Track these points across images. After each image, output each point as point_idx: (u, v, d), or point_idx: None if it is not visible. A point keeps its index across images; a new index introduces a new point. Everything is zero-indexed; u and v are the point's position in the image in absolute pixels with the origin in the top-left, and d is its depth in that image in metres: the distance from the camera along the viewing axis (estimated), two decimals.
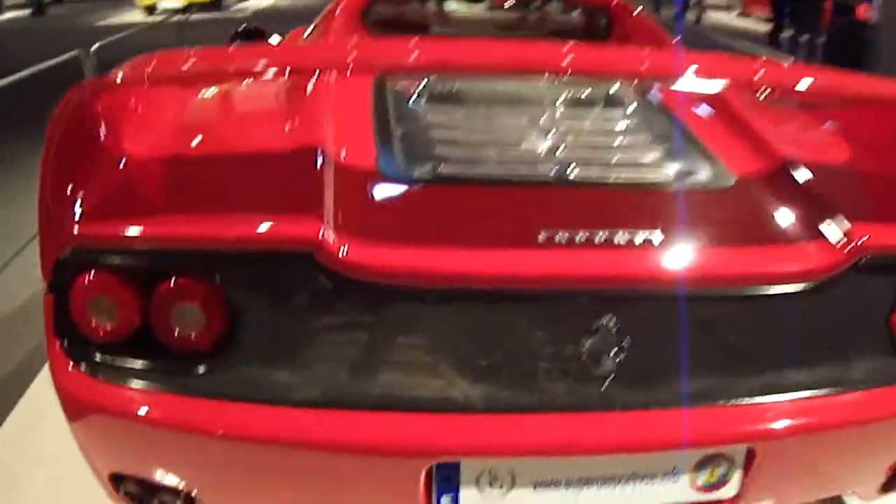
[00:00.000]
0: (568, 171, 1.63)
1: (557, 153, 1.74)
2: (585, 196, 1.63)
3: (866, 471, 1.71)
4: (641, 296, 1.46)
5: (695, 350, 1.49)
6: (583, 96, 2.15)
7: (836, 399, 1.58)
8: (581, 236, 1.45)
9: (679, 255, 1.46)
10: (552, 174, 1.63)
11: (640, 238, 1.47)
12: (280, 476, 1.49)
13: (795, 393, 1.55)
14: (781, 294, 1.51)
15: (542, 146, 1.78)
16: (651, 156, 1.79)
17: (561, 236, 1.45)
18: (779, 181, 1.71)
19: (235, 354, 1.47)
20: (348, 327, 1.45)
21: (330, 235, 1.39)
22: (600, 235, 1.46)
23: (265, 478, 1.50)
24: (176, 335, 1.46)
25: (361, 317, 1.45)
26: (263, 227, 1.42)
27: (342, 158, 1.63)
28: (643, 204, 1.63)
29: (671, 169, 1.72)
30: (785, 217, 1.61)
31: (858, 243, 1.51)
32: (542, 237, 1.44)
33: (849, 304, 1.59)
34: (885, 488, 1.76)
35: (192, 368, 1.47)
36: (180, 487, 1.56)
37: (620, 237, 1.46)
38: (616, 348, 1.45)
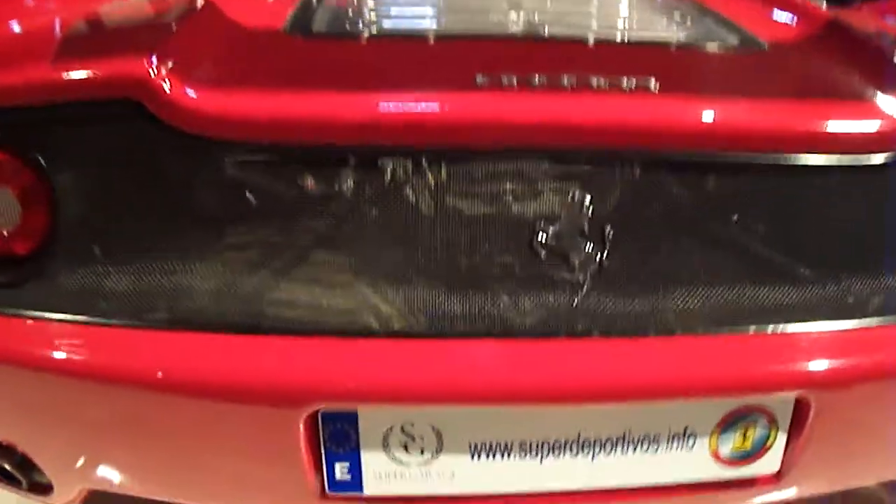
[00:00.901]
0: (541, 30, 1.17)
1: (531, 17, 1.27)
2: (562, 50, 1.16)
3: None
4: (633, 158, 0.97)
5: (714, 247, 1.01)
6: None
7: None
8: (541, 79, 0.99)
9: (688, 105, 0.99)
10: (518, 31, 1.17)
11: (631, 84, 1.00)
12: (118, 426, 1.05)
13: (868, 318, 1.05)
14: (841, 167, 1.02)
15: (515, 14, 1.31)
16: (660, 23, 1.32)
17: (510, 79, 0.98)
18: (824, 42, 1.28)
19: (55, 256, 1.03)
20: (207, 212, 1.00)
21: (164, 76, 0.95)
22: (572, 79, 0.99)
23: (98, 429, 1.06)
24: None
25: (220, 194, 0.99)
26: (82, 71, 0.99)
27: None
28: (643, 57, 1.16)
29: (684, 33, 1.25)
30: (834, 75, 1.13)
31: None
32: (481, 80, 0.98)
33: None
34: None
35: (7, 278, 1.05)
36: (10, 443, 1.13)
37: (602, 82, 1.00)
38: (593, 241, 0.98)
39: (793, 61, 1.25)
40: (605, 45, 1.18)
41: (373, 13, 1.25)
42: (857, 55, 1.22)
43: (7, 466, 1.13)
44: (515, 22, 1.22)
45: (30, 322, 1.04)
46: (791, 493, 1.13)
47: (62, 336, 1.03)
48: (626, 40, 1.20)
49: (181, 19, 1.13)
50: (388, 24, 1.21)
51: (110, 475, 1.11)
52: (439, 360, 0.97)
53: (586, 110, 0.97)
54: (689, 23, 1.33)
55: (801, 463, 1.08)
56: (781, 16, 1.43)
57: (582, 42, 1.17)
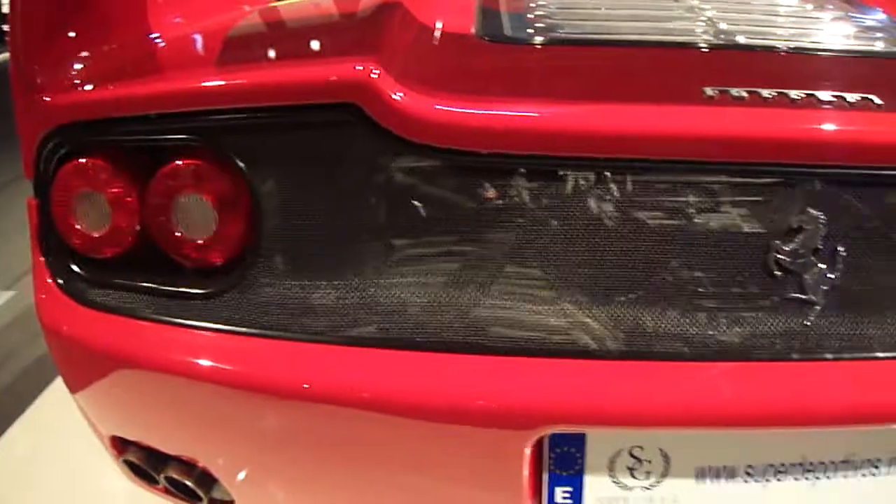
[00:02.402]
0: (738, 36, 1.13)
1: (720, 24, 1.21)
2: (770, 60, 1.12)
3: None
4: (859, 176, 0.94)
5: None
6: None
7: None
8: (769, 93, 0.94)
9: None
10: (715, 38, 1.12)
11: (855, 98, 0.96)
12: (318, 445, 1.02)
13: None
14: None
15: (700, 20, 1.26)
16: (850, 32, 1.27)
17: (738, 92, 0.94)
18: None
19: (259, 270, 1.00)
20: (422, 226, 0.96)
21: (389, 80, 0.90)
22: (798, 93, 0.95)
23: (294, 448, 1.03)
24: (181, 242, 1.01)
25: (434, 203, 0.95)
26: (296, 74, 0.94)
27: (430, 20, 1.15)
28: (856, 69, 1.11)
29: (883, 42, 1.20)
30: None
31: None
32: (709, 93, 0.94)
33: None
34: None
35: (201, 290, 1.02)
36: (191, 458, 1.11)
37: (827, 96, 0.95)
38: (825, 261, 0.94)
39: None
40: (810, 55, 1.13)
41: (553, 19, 1.19)
42: None
43: (188, 482, 1.10)
44: (705, 30, 1.17)
45: (225, 336, 1.00)
46: None
47: (260, 352, 0.99)
48: (829, 51, 1.15)
49: (380, 20, 1.08)
50: (573, 30, 1.16)
51: (300, 496, 1.07)
52: (668, 383, 0.93)
53: (819, 127, 0.93)
54: (882, 31, 1.28)
55: None
56: None
57: (786, 52, 1.12)
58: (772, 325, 0.95)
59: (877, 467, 1.00)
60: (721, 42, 1.11)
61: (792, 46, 1.13)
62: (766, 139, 0.92)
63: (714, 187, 0.93)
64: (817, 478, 0.99)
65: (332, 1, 1.39)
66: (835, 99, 0.95)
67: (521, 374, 0.93)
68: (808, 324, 0.95)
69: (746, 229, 0.94)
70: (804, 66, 1.09)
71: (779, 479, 0.98)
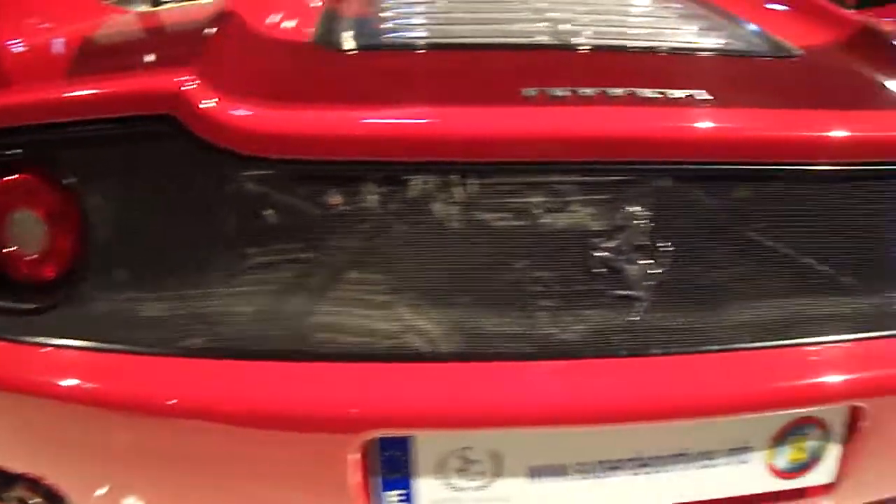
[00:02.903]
0: (574, 37, 1.14)
1: (561, 25, 1.23)
2: (600, 59, 1.13)
3: None
4: (690, 172, 0.95)
5: (764, 260, 1.00)
6: None
7: None
8: (592, 91, 0.95)
9: (741, 115, 0.97)
10: (552, 39, 1.13)
11: (680, 95, 0.97)
12: (154, 457, 1.00)
13: None
14: (885, 175, 1.01)
15: (544, 21, 1.27)
16: (691, 31, 1.29)
17: (562, 92, 0.95)
18: (859, 48, 1.28)
19: (90, 284, 0.98)
20: (247, 235, 0.96)
21: (204, 91, 0.90)
22: (621, 91, 0.96)
23: (132, 460, 1.01)
24: (12, 257, 1.00)
25: (258, 213, 0.95)
26: (114, 86, 0.94)
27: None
28: (684, 67, 1.13)
29: (717, 41, 1.23)
30: (873, 82, 1.13)
31: None
32: (531, 92, 0.95)
33: None
34: None
35: (34, 304, 1.00)
36: (34, 475, 1.08)
37: (651, 93, 0.96)
38: (646, 256, 0.95)
39: (831, 68, 1.23)
40: (642, 54, 1.15)
41: (396, 24, 1.20)
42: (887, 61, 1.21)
43: (35, 500, 1.08)
44: (546, 31, 1.18)
45: (59, 350, 0.99)
46: (848, 501, 1.12)
47: (92, 365, 0.98)
48: (662, 49, 1.17)
49: (208, 31, 1.08)
50: (414, 35, 1.17)
51: None
52: (496, 383, 0.93)
53: (640, 122, 0.94)
54: (719, 30, 1.31)
55: (857, 472, 1.07)
56: (810, 21, 1.40)
57: (619, 52, 1.13)
58: (598, 322, 0.96)
59: (712, 459, 1.01)
60: (557, 43, 1.13)
61: (627, 45, 1.14)
62: (587, 138, 0.93)
63: (538, 188, 0.93)
64: (653, 472, 1.00)
65: (182, 10, 1.39)
66: (658, 96, 0.97)
67: (346, 380, 0.93)
68: (635, 320, 0.96)
69: (570, 228, 0.94)
70: (632, 64, 1.11)
71: (613, 476, 0.99)
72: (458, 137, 0.92)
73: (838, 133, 0.98)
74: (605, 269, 0.95)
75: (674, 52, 1.17)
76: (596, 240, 0.94)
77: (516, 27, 1.20)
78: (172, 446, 0.98)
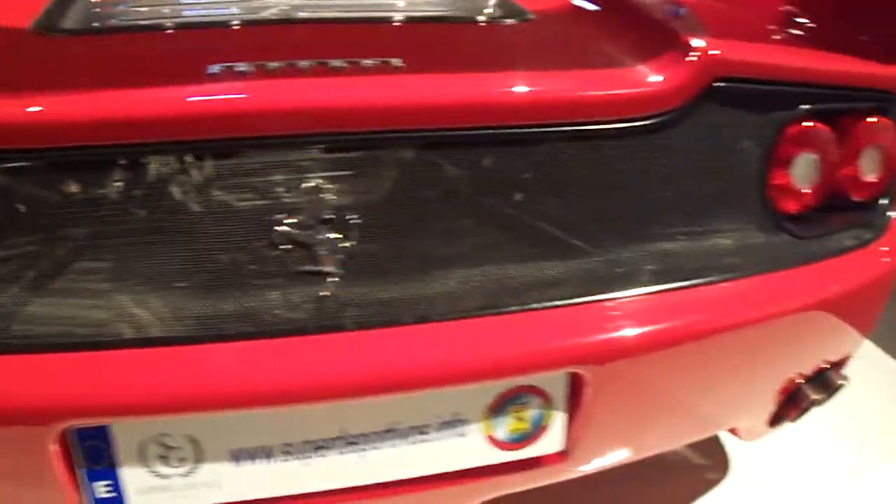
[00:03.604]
0: (294, 13, 1.18)
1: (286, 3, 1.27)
2: (294, 32, 1.17)
3: (750, 398, 1.19)
4: (388, 140, 0.97)
5: (472, 225, 1.02)
6: None
7: (702, 293, 1.08)
8: (275, 66, 0.98)
9: (432, 80, 0.99)
10: (266, 16, 1.18)
11: (369, 63, 0.99)
12: None
13: (640, 287, 1.05)
14: (606, 133, 1.03)
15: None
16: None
17: (242, 67, 0.97)
18: (593, 10, 1.33)
19: None
20: None
21: None
22: (305, 63, 0.98)
23: None
24: None
25: None
26: None
27: None
28: (389, 35, 1.16)
29: (446, 7, 1.26)
30: (599, 43, 1.14)
31: (710, 54, 1.06)
32: (215, 70, 0.97)
33: (705, 155, 1.10)
34: (775, 420, 1.23)
35: None
36: None
37: (340, 64, 0.99)
38: (339, 230, 0.97)
39: (559, 31, 1.25)
40: (357, 24, 1.18)
41: (120, 7, 1.24)
42: (623, 21, 1.23)
43: None
44: (267, 7, 1.22)
45: None
46: (586, 468, 1.12)
47: None
48: (379, 18, 1.20)
49: None
50: (134, 18, 1.20)
51: None
52: (188, 367, 0.95)
53: (318, 93, 0.95)
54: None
55: (587, 439, 1.07)
56: None
57: (330, 22, 1.17)
58: (290, 299, 0.97)
59: (425, 433, 1.02)
60: (280, 18, 1.17)
61: (337, 17, 1.18)
62: (272, 112, 0.93)
63: (220, 166, 0.94)
64: (364, 450, 1.01)
65: None
66: (347, 65, 0.98)
67: (41, 371, 0.94)
68: (325, 295, 0.98)
69: (258, 206, 0.96)
70: (328, 35, 1.14)
71: (322, 455, 1.00)
72: (138, 119, 0.91)
73: (540, 95, 1.00)
74: (294, 245, 0.96)
75: (382, 21, 1.20)
76: (280, 215, 0.96)
77: (243, 6, 1.24)
78: None
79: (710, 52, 1.07)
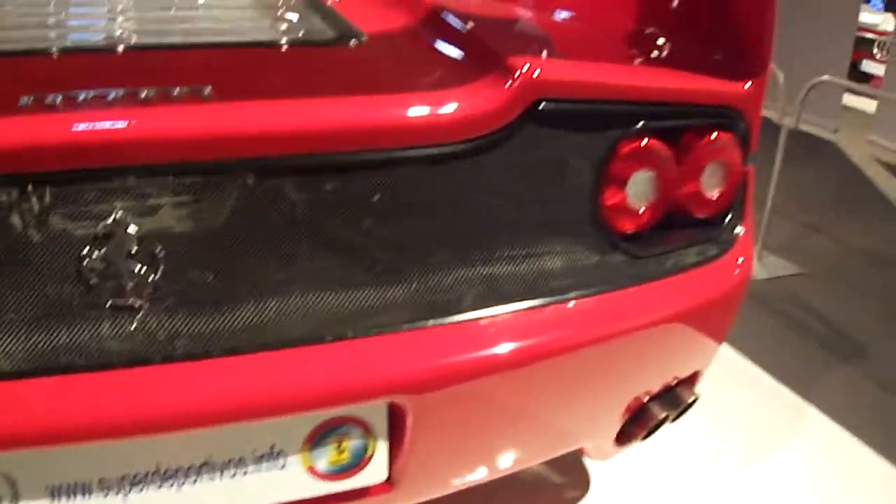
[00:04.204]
0: (129, 39, 1.20)
1: (122, 27, 1.30)
2: (116, 60, 1.17)
3: (590, 420, 1.17)
4: (187, 169, 0.98)
5: (288, 255, 1.03)
6: None
7: (527, 316, 1.08)
8: (87, 96, 0.99)
9: (236, 110, 1.00)
10: (96, 43, 1.20)
11: (182, 91, 1.01)
12: None
13: (462, 312, 1.06)
14: (426, 158, 1.05)
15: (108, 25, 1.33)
16: (263, 23, 1.36)
17: (53, 98, 0.98)
18: (421, 32, 1.34)
19: None
20: None
21: None
22: (112, 94, 0.99)
23: None
24: None
25: None
26: None
27: None
28: (209, 62, 1.18)
29: (270, 31, 1.28)
30: (433, 64, 1.15)
31: (531, 75, 1.08)
32: (24, 101, 0.97)
33: (533, 176, 1.10)
34: (622, 439, 1.21)
35: None
36: None
37: (148, 93, 1.00)
38: (145, 262, 0.99)
39: (389, 54, 1.27)
40: (183, 51, 1.20)
41: None
42: (452, 43, 1.23)
43: None
44: (106, 34, 1.25)
45: None
46: (418, 496, 1.12)
47: None
48: (204, 43, 1.22)
49: None
50: None
51: None
52: None
53: (122, 124, 0.95)
54: (293, 21, 1.35)
55: (413, 467, 1.07)
56: (391, 6, 1.44)
57: (154, 49, 1.20)
58: (100, 332, 0.98)
59: (241, 467, 1.03)
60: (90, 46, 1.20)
61: (173, 43, 1.20)
62: (69, 146, 0.94)
63: (29, 199, 0.95)
64: (181, 484, 1.03)
65: None
66: (155, 95, 0.99)
67: None
68: (131, 329, 0.98)
69: (66, 238, 0.96)
70: (158, 63, 1.16)
71: (139, 490, 1.02)
72: None
73: (352, 121, 1.01)
74: (104, 278, 0.97)
75: (206, 46, 1.22)
76: (88, 248, 0.97)
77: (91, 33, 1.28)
78: None
79: (531, 74, 1.07)
